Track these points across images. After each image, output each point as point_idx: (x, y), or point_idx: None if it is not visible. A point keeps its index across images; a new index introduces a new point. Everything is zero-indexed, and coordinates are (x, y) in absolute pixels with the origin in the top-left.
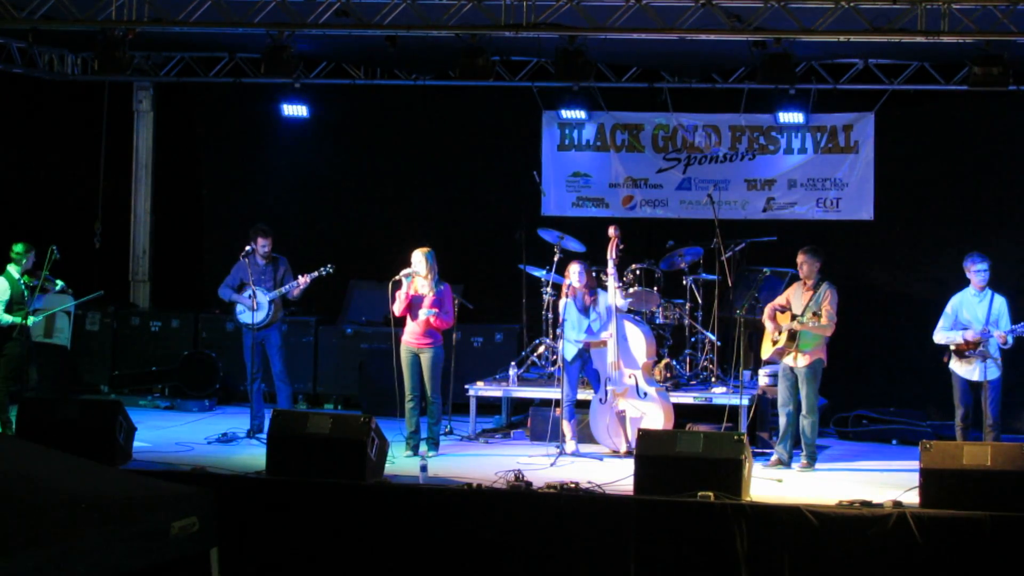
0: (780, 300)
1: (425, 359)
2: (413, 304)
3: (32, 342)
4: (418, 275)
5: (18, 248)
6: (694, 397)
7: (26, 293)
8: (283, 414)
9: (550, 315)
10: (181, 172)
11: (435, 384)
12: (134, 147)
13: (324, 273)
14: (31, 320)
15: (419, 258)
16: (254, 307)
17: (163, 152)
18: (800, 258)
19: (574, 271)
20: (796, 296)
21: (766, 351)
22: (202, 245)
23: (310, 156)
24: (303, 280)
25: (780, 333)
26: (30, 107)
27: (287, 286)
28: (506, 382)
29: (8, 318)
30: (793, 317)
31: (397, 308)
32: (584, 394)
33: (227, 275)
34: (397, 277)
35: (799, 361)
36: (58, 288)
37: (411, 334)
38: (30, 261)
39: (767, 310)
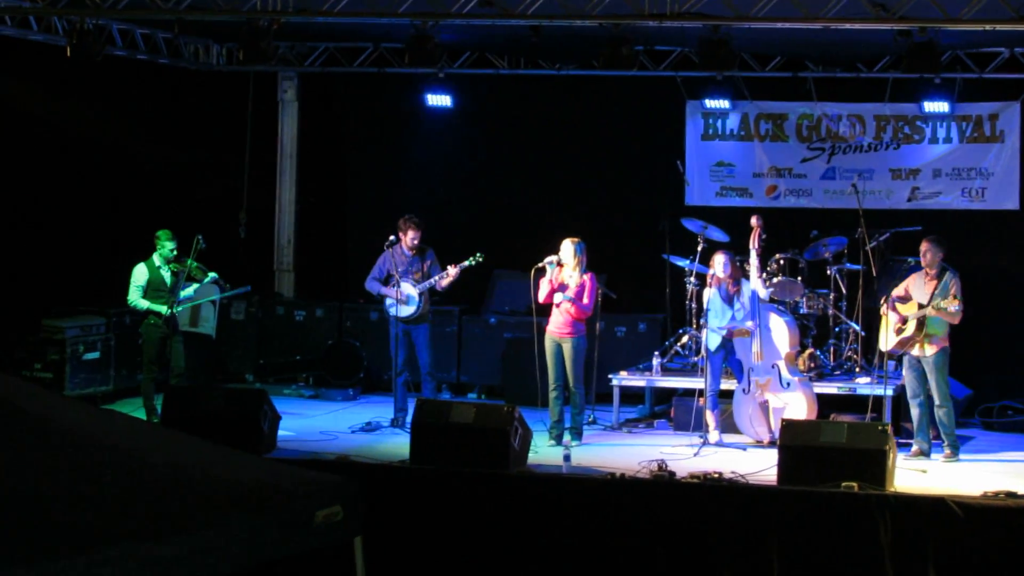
0: (898, 291)
1: (567, 349)
2: (557, 293)
3: (180, 330)
4: (565, 264)
5: (160, 235)
6: (838, 387)
7: (168, 281)
8: (427, 403)
9: (694, 305)
10: (325, 162)
11: (577, 374)
12: (279, 137)
13: (474, 263)
14: (176, 309)
15: (568, 247)
16: (397, 298)
17: (307, 142)
18: (924, 247)
19: (719, 261)
20: (917, 286)
21: (888, 342)
22: (346, 235)
23: (454, 146)
24: (453, 271)
25: (906, 323)
26: (176, 97)
27: (435, 277)
28: (649, 372)
29: (144, 304)
30: (921, 307)
31: (540, 296)
32: (727, 384)
33: (372, 267)
34: (540, 264)
35: (927, 350)
36: (209, 279)
37: (555, 324)
38: (173, 249)
39: (885, 302)
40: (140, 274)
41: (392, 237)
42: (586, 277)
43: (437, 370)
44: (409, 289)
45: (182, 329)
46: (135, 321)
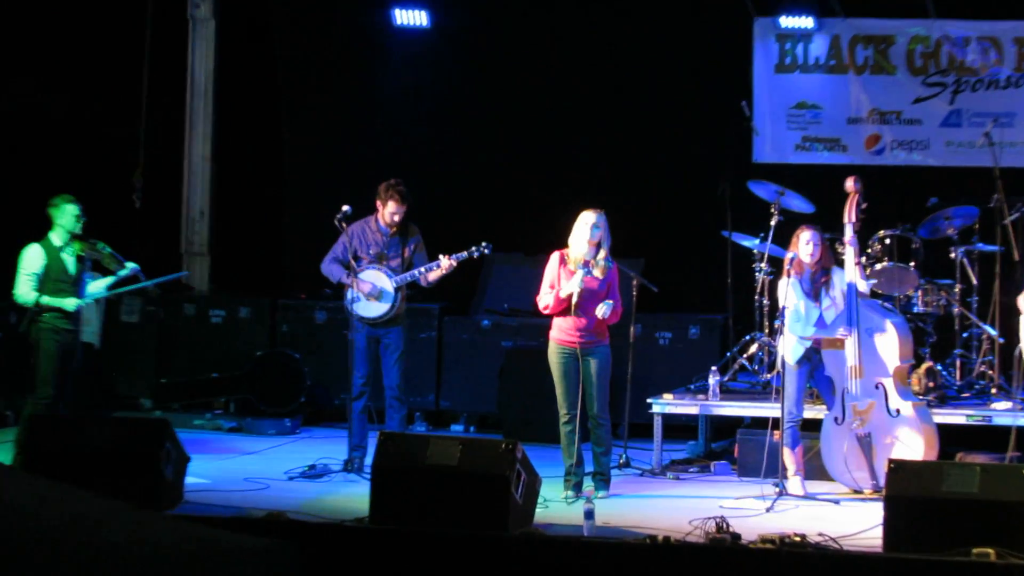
0: None
1: (593, 365)
2: (602, 305)
3: (78, 337)
4: (601, 247)
5: (57, 202)
6: (967, 416)
7: (72, 269)
8: (394, 439)
9: (766, 301)
10: (254, 103)
11: (603, 399)
12: (189, 69)
13: (477, 254)
14: (71, 304)
15: (592, 220)
16: (364, 291)
17: (229, 76)
18: None
19: (803, 240)
20: None
21: None
22: (282, 205)
23: (431, 82)
24: (446, 262)
25: None
26: (49, 16)
27: (419, 269)
28: (704, 394)
29: (31, 297)
30: None
31: (545, 301)
32: (814, 411)
33: (333, 244)
34: (588, 266)
35: None
36: (127, 271)
37: (567, 329)
38: (79, 216)
39: None
40: (34, 259)
41: (346, 208)
42: (610, 266)
43: (409, 393)
44: (383, 281)
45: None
46: None
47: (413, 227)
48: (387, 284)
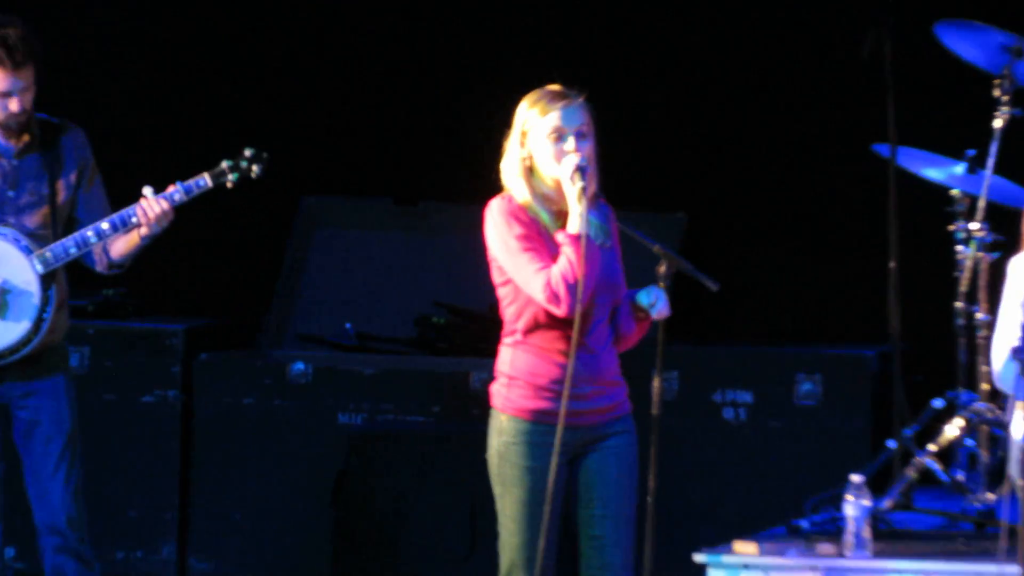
0: None
1: (608, 466)
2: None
3: None
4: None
5: None
6: None
7: None
8: None
9: (981, 314)
10: None
11: (626, 540)
12: None
13: (232, 179)
14: None
15: (578, 114)
16: None
17: None
18: None
19: None
20: None
21: None
22: None
23: None
24: (152, 209)
25: None
26: None
27: (93, 227)
28: (834, 543)
29: None
30: None
31: (559, 276)
32: None
33: None
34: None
35: None
36: None
37: (544, 376)
38: None
39: None
40: None
41: None
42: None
43: (103, 540)
44: (11, 260)
45: None
46: None
47: (68, 128)
48: (21, 269)
